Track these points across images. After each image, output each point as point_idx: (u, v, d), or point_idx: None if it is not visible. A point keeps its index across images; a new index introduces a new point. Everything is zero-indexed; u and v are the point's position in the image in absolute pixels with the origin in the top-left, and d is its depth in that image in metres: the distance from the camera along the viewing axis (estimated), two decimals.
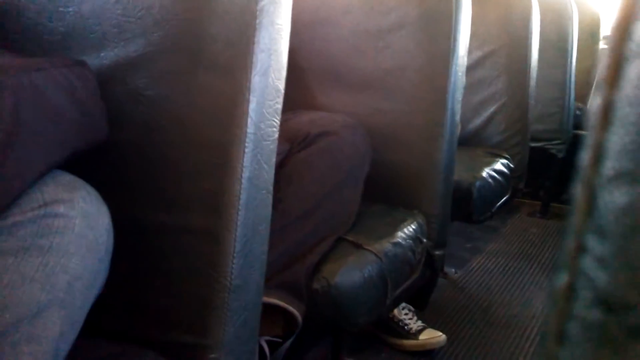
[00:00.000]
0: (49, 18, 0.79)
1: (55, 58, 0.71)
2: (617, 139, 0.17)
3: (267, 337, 1.02)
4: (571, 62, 2.58)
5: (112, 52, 0.77)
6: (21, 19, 0.81)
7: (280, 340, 1.04)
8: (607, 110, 0.17)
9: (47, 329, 0.59)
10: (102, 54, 0.78)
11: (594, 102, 0.18)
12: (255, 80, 0.73)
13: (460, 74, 1.32)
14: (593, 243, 0.18)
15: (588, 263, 0.18)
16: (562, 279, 0.18)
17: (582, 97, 2.95)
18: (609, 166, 0.17)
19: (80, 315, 0.64)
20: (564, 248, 0.18)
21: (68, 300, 0.61)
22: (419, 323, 1.70)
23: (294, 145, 1.14)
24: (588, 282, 0.17)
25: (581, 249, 0.18)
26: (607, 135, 0.17)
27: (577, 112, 2.82)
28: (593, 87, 2.86)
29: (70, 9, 0.78)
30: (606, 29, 3.20)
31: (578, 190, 0.18)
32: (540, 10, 2.14)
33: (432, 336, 1.68)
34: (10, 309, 0.56)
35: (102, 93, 0.75)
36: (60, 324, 0.60)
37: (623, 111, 0.16)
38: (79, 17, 0.78)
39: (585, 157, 0.18)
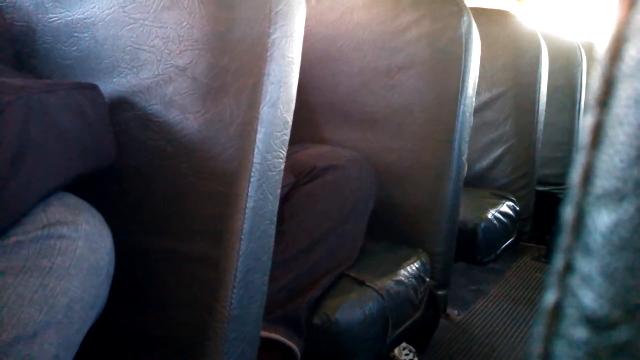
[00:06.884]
0: (64, 42, 0.81)
1: (66, 81, 0.72)
2: (606, 158, 0.17)
3: None
4: (579, 108, 2.59)
5: (124, 78, 0.78)
6: (37, 42, 0.82)
7: None
8: (598, 129, 0.17)
9: (43, 350, 0.58)
10: (114, 80, 0.79)
11: (586, 122, 0.18)
12: (264, 111, 0.73)
13: (467, 114, 1.33)
14: (580, 261, 0.18)
15: (575, 281, 0.18)
16: (551, 299, 0.18)
17: None
18: (598, 185, 0.17)
19: (77, 339, 0.63)
20: (553, 267, 0.18)
21: (66, 322, 0.60)
22: None
23: (299, 178, 1.14)
24: (574, 301, 0.17)
25: (569, 268, 0.18)
26: (597, 154, 0.17)
27: None
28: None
29: (86, 35, 0.80)
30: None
31: (568, 210, 0.18)
32: (550, 56, 2.17)
33: None
34: (7, 329, 0.56)
35: (112, 118, 0.76)
36: (56, 347, 0.59)
37: (613, 131, 0.17)
38: (94, 42, 0.79)
39: (575, 176, 0.18)
